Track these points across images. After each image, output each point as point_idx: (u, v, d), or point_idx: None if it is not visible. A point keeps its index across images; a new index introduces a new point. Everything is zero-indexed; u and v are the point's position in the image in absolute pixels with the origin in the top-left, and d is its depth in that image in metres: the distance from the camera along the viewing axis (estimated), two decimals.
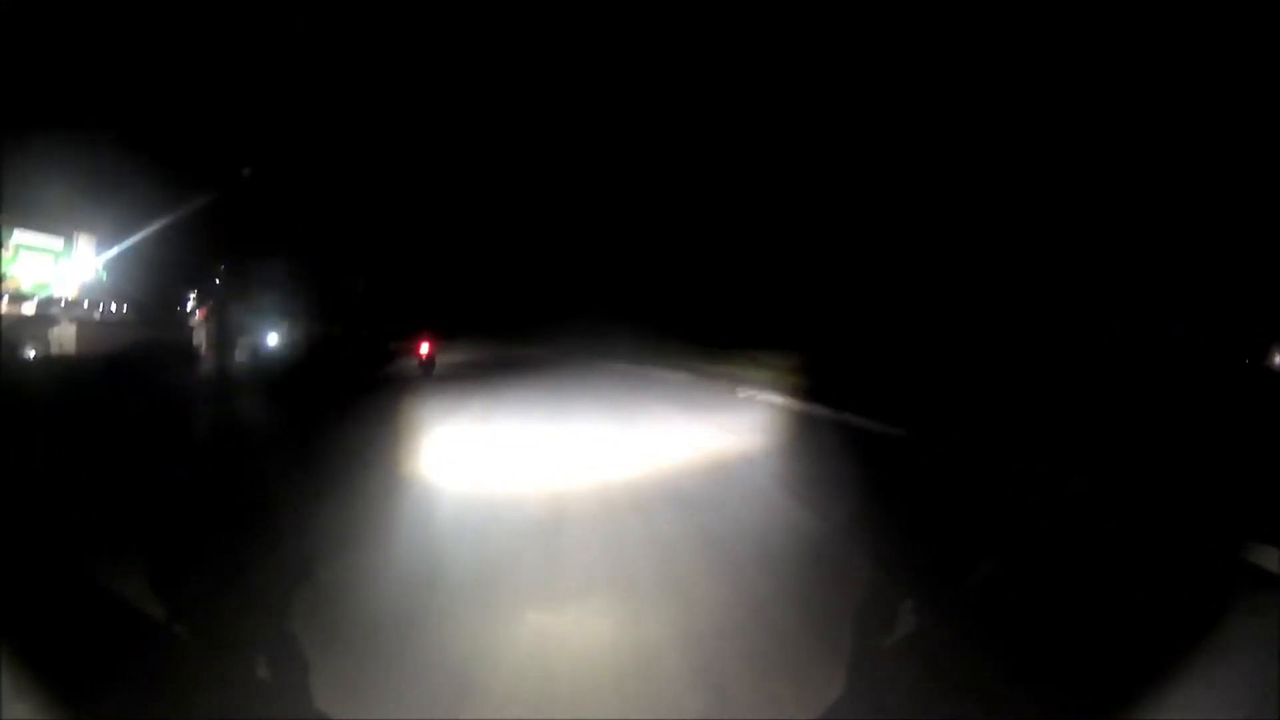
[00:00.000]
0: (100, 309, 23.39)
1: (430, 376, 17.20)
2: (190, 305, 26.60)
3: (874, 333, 14.57)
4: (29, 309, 20.91)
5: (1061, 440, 6.30)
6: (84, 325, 20.63)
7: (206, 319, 26.47)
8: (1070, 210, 11.33)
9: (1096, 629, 3.10)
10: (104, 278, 23.32)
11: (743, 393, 12.86)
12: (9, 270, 20.36)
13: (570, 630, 3.26)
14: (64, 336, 20.38)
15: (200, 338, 26.06)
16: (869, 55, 16.51)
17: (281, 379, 15.91)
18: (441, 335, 21.26)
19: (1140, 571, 3.80)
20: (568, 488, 5.97)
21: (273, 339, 25.42)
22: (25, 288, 21.07)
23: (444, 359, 20.65)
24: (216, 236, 22.96)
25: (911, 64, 14.97)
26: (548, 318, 37.39)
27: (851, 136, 17.03)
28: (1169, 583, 3.61)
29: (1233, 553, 3.78)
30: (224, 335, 24.97)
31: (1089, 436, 6.43)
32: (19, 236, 20.78)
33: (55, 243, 22.26)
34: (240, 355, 20.85)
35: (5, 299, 19.83)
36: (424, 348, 18.42)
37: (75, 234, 22.60)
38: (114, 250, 22.31)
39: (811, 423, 9.41)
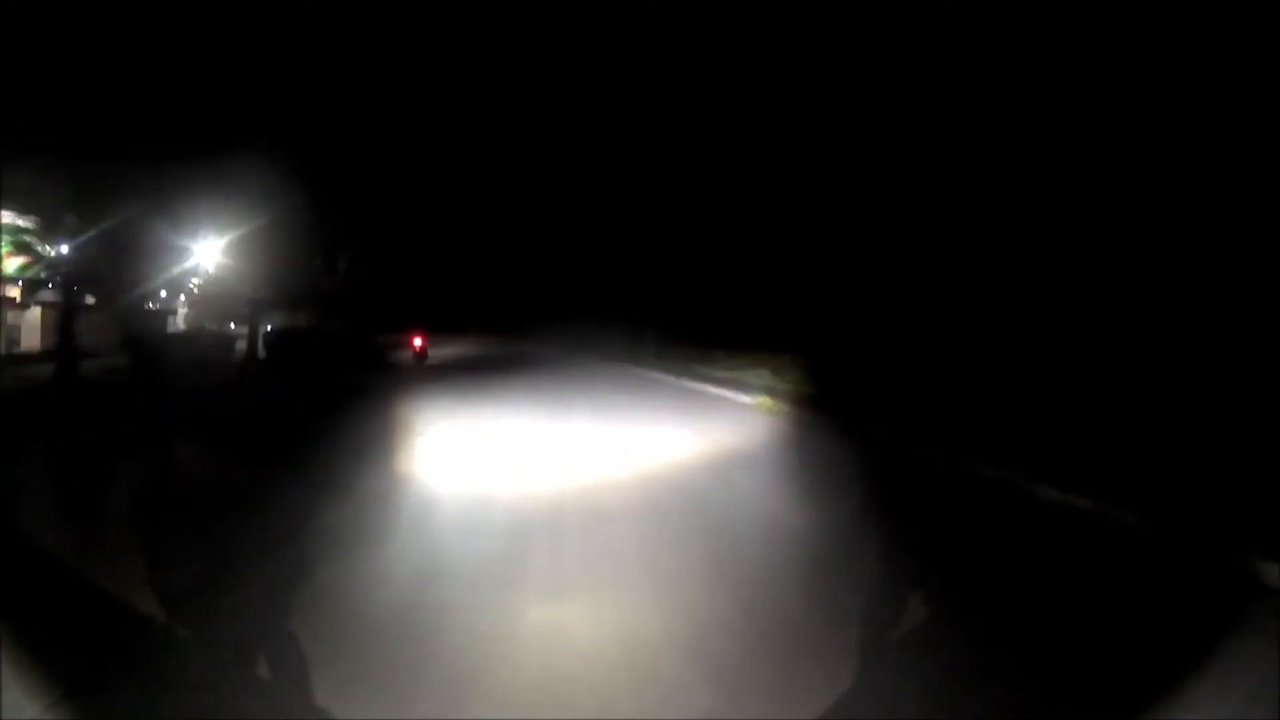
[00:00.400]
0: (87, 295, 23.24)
1: (422, 368, 19.86)
2: (166, 292, 26.34)
3: (876, 333, 14.54)
4: (13, 292, 20.70)
5: (1066, 448, 6.40)
6: (50, 310, 19.81)
7: (190, 307, 26.51)
8: (1077, 206, 11.34)
9: (1098, 640, 3.19)
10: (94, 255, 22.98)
11: (740, 397, 12.90)
12: None
13: (571, 629, 3.34)
14: (27, 321, 19.70)
15: (180, 326, 26.01)
16: (869, 56, 16.54)
17: (265, 372, 16.11)
18: (435, 331, 24.39)
19: (1142, 584, 3.90)
20: (559, 487, 6.10)
21: (257, 329, 25.52)
22: (9, 270, 20.88)
23: (437, 353, 23.18)
24: (203, 221, 22.93)
25: (912, 65, 15.02)
26: (544, 316, 38.23)
27: (852, 136, 17.02)
28: (1169, 594, 3.72)
29: (1233, 566, 3.88)
30: (206, 324, 24.99)
31: (1094, 444, 6.53)
32: (2, 217, 20.02)
33: (41, 224, 22.09)
34: (221, 345, 20.72)
35: None
36: (416, 342, 21.55)
37: (63, 215, 22.33)
38: (92, 233, 21.90)
39: (809, 430, 9.50)
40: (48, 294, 20.81)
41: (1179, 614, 3.44)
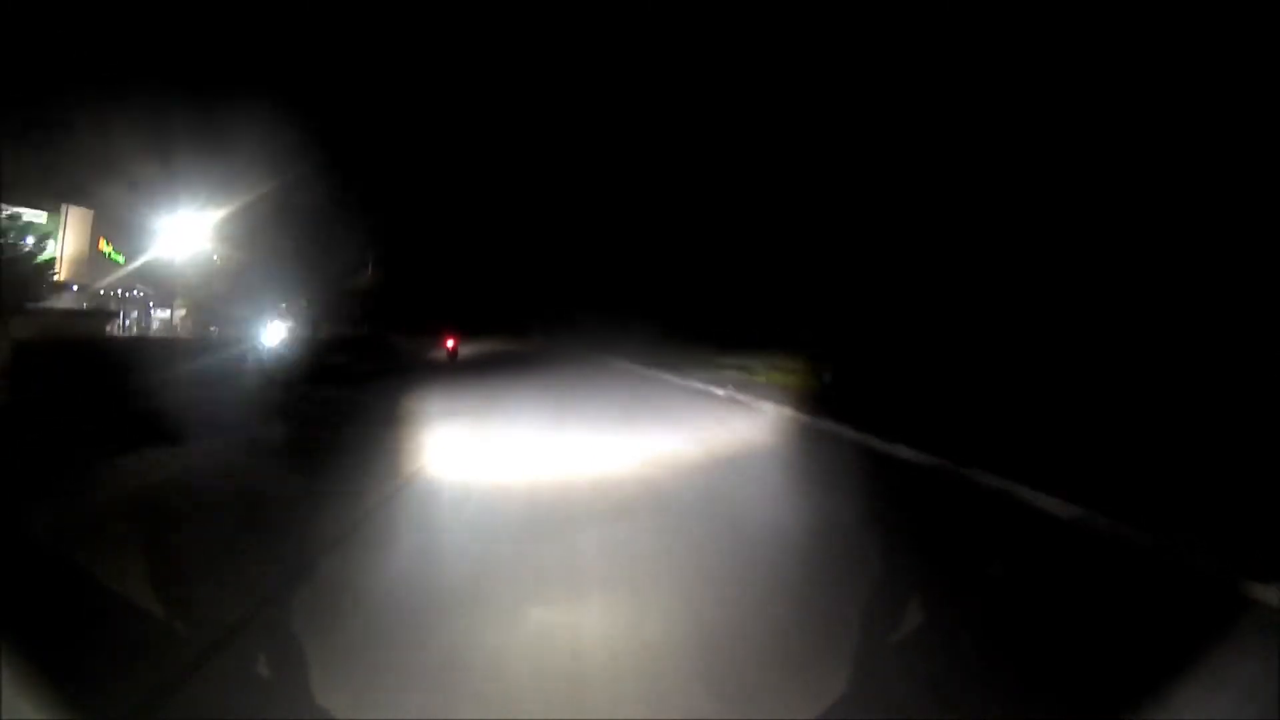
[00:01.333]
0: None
1: (454, 364, 23.76)
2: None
3: (885, 335, 14.68)
4: None
5: (1073, 462, 6.53)
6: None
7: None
8: (1083, 205, 11.44)
9: (1095, 645, 3.32)
10: (119, 260, 22.81)
11: (743, 396, 12.95)
12: None
13: (574, 630, 3.43)
14: None
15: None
16: (876, 56, 16.97)
17: (281, 376, 16.58)
18: (464, 332, 29.43)
19: (1139, 595, 4.02)
20: (566, 479, 6.48)
21: (273, 335, 26.32)
22: None
23: (465, 350, 27.90)
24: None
25: (918, 65, 15.31)
26: (562, 316, 42.30)
27: (863, 132, 17.31)
28: (1166, 606, 3.85)
29: (1230, 587, 3.89)
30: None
31: (1094, 454, 6.74)
32: None
33: (38, 217, 21.94)
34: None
35: None
36: (449, 342, 26.51)
37: (65, 208, 22.33)
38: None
39: (816, 435, 9.53)
40: None
41: (1175, 624, 3.58)
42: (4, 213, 18.94)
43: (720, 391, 13.65)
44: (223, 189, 22.57)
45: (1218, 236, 9.65)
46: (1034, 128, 12.45)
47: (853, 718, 2.66)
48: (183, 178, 20.84)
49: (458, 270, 49.43)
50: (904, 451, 7.62)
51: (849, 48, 18.51)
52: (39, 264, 20.26)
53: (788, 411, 10.70)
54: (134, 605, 3.52)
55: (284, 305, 31.87)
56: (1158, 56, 10.53)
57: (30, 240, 20.11)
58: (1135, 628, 3.52)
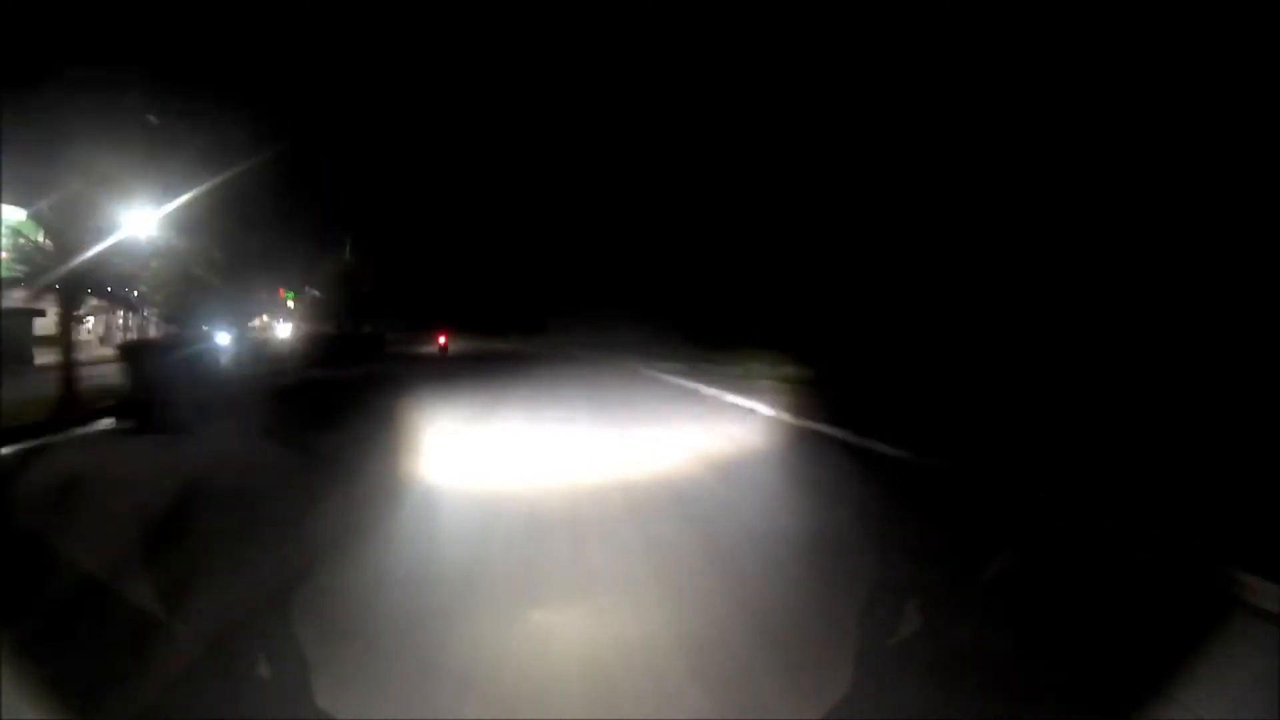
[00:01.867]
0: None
1: (446, 359, 27.65)
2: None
3: (886, 335, 14.86)
4: None
5: (1065, 458, 6.75)
6: None
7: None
8: (1079, 206, 11.77)
9: (1093, 645, 3.44)
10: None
11: (730, 397, 13.19)
12: None
13: (572, 631, 3.55)
14: None
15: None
16: (874, 56, 17.17)
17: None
18: (456, 331, 34.59)
19: (1136, 595, 4.14)
20: (556, 485, 6.56)
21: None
22: None
23: (464, 348, 32.30)
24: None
25: (916, 65, 15.55)
26: (554, 316, 45.79)
27: (861, 133, 17.51)
28: (1163, 607, 3.96)
29: (1227, 588, 3.98)
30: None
31: (1092, 453, 6.91)
32: None
33: (14, 213, 21.80)
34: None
35: None
36: (441, 339, 31.48)
37: (41, 204, 21.94)
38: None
39: (807, 433, 9.76)
40: None
41: (1174, 625, 3.69)
42: None
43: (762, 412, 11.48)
44: (194, 176, 22.27)
45: (1185, 232, 9.94)
46: (1029, 130, 12.57)
47: (855, 718, 2.75)
48: (146, 165, 20.53)
49: (459, 269, 50.39)
50: None
51: (830, 61, 18.66)
52: None
53: None
54: (135, 605, 3.63)
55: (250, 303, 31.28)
56: (1128, 55, 10.86)
57: None
58: (1134, 628, 3.64)
